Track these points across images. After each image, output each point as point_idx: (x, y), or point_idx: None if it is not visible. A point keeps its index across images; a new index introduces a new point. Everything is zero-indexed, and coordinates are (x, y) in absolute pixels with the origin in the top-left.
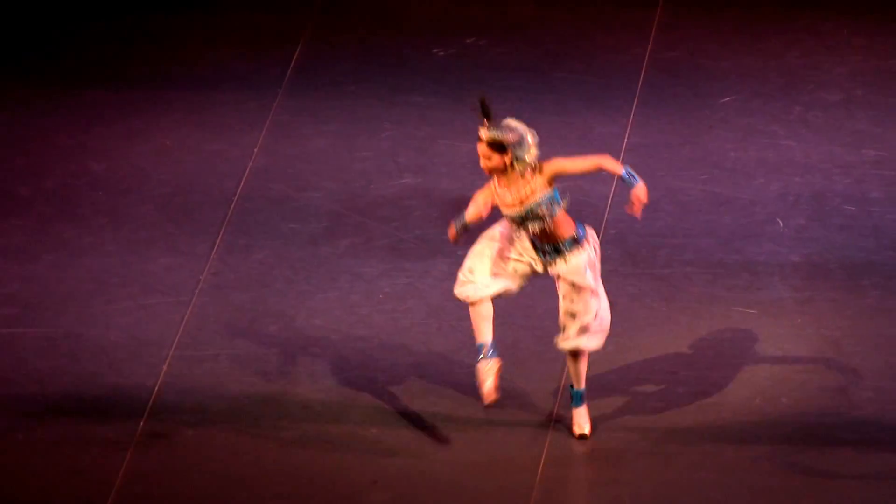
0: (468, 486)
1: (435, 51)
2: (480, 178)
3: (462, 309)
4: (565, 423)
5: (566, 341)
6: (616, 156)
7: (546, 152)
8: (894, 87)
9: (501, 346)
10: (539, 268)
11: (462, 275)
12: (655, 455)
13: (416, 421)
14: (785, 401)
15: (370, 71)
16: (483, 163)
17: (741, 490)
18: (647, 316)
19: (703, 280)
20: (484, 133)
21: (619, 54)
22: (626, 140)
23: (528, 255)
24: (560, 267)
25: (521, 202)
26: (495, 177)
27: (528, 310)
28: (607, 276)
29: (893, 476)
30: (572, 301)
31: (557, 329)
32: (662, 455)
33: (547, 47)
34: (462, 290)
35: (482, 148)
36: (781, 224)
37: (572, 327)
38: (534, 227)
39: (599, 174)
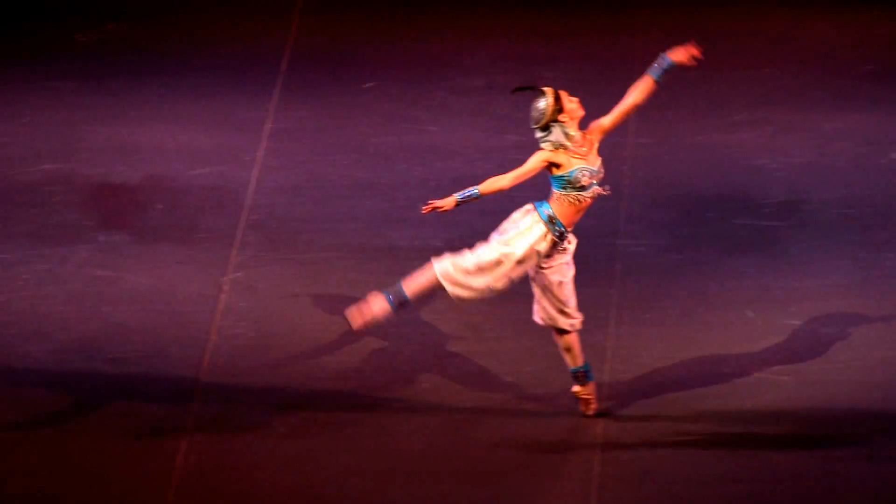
0: (108, 473)
1: (76, 36)
2: (123, 163)
3: (105, 296)
4: (203, 419)
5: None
6: (257, 142)
7: (185, 137)
8: (535, 72)
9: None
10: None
11: (571, 312)
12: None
13: (52, 408)
14: (426, 385)
15: (8, 55)
16: (578, 106)
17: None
18: (289, 302)
19: (346, 265)
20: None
21: (262, 39)
22: (268, 125)
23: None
24: (559, 257)
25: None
26: (573, 133)
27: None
28: (247, 262)
29: (526, 458)
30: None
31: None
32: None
33: (189, 32)
34: (578, 321)
35: (565, 94)
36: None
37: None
38: (593, 191)
39: (641, 104)
